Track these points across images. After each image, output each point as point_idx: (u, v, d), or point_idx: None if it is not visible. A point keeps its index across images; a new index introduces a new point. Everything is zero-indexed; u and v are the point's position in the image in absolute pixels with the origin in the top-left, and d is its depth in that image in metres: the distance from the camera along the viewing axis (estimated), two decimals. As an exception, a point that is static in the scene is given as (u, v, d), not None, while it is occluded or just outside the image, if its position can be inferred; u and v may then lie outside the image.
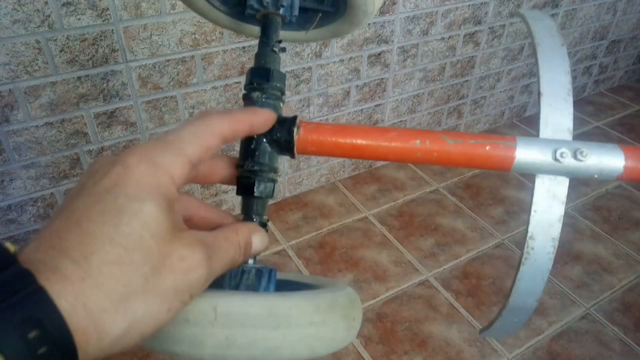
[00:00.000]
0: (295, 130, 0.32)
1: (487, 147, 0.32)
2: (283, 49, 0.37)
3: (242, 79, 1.30)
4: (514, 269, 0.32)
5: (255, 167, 0.32)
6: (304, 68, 1.40)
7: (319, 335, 0.27)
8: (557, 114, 0.33)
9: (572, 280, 1.44)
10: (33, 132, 1.08)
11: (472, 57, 1.77)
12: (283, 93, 0.35)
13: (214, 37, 1.20)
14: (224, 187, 1.48)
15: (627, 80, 2.52)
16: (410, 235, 1.55)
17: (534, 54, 0.35)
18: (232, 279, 0.30)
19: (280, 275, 0.34)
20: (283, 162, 1.56)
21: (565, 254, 1.52)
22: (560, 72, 0.34)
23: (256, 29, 0.42)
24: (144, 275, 0.21)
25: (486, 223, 1.62)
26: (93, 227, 0.21)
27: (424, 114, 1.81)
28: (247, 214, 0.33)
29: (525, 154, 0.32)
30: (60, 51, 1.03)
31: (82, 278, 0.20)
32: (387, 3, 1.43)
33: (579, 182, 1.77)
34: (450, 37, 1.65)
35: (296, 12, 0.38)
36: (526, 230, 0.31)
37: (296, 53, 1.36)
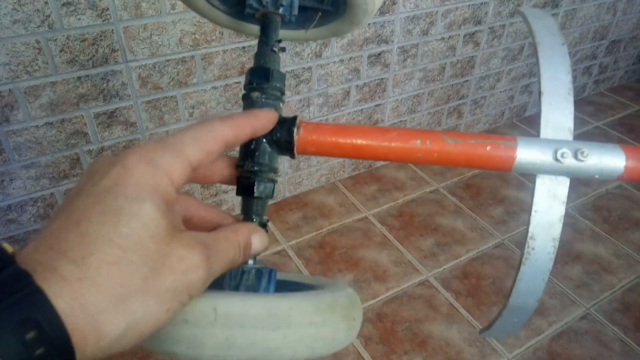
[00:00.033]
0: (295, 130, 0.32)
1: (488, 148, 0.32)
2: (283, 49, 0.37)
3: (242, 79, 1.29)
4: (514, 269, 0.32)
5: (255, 168, 0.32)
6: (304, 68, 1.40)
7: (319, 336, 0.27)
8: (557, 113, 0.32)
9: (572, 280, 1.44)
10: (33, 132, 1.08)
11: (472, 57, 1.77)
12: (283, 93, 0.35)
13: (214, 37, 1.20)
14: (224, 187, 1.48)
15: (627, 80, 2.52)
16: (410, 235, 1.55)
17: (534, 52, 0.35)
18: (232, 280, 0.30)
19: (280, 276, 0.34)
20: (283, 162, 1.56)
21: (566, 254, 1.52)
22: (561, 71, 0.34)
23: (256, 28, 0.42)
24: (142, 275, 0.21)
25: (486, 223, 1.62)
26: (92, 227, 0.21)
27: (424, 114, 1.81)
28: (247, 214, 0.33)
29: (526, 154, 0.31)
30: (60, 51, 1.02)
31: (80, 279, 0.20)
32: (387, 3, 1.43)
33: (579, 182, 1.77)
34: (450, 37, 1.65)
35: (296, 11, 0.38)
36: (527, 231, 0.31)
37: (296, 53, 1.36)
